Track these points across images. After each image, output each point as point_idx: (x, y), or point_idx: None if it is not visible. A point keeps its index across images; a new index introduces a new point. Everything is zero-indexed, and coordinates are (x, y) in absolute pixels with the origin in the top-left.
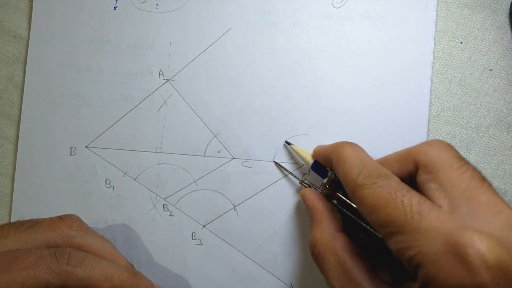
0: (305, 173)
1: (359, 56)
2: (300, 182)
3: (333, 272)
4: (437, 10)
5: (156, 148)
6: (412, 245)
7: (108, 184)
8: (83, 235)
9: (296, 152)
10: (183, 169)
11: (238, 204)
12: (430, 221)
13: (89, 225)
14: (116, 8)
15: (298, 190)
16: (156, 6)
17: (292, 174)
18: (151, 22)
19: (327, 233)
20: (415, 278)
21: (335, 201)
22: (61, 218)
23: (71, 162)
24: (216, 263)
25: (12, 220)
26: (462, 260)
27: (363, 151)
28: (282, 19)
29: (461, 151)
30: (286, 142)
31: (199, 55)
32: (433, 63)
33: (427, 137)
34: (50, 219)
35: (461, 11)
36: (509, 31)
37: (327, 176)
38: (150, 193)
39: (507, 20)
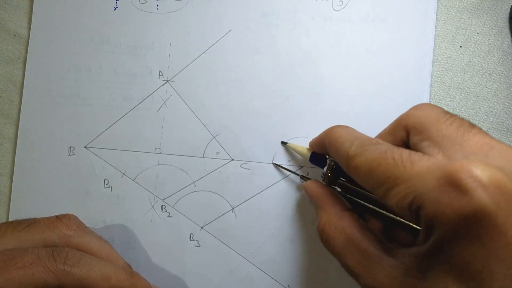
0: (304, 175)
1: (359, 59)
2: (301, 177)
3: (345, 250)
4: (437, 14)
5: (155, 149)
6: (408, 191)
7: (107, 184)
8: (81, 235)
9: (293, 149)
10: (182, 170)
11: (236, 206)
12: (421, 165)
13: (87, 225)
14: (116, 9)
15: (297, 186)
16: (157, 7)
17: (293, 172)
18: (151, 22)
19: (333, 214)
20: (420, 225)
21: (338, 189)
22: (59, 217)
23: (70, 162)
24: (214, 265)
25: (10, 219)
26: (457, 187)
27: (354, 129)
28: (282, 21)
29: None
30: (282, 142)
31: (199, 56)
32: (432, 66)
33: None
34: (48, 218)
35: (461, 15)
36: (508, 35)
37: (327, 164)
38: (148, 193)
39: (506, 24)
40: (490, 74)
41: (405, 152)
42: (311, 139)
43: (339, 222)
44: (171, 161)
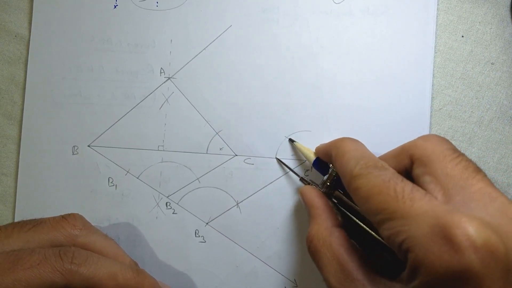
0: (308, 170)
1: (360, 52)
2: (300, 179)
3: (329, 267)
4: (438, 4)
5: (158, 146)
6: (401, 230)
7: (111, 182)
8: (86, 234)
9: (299, 149)
10: (186, 166)
11: (241, 201)
12: (420, 206)
13: (93, 224)
14: (116, 7)
15: (298, 187)
16: (156, 4)
17: (293, 171)
18: (152, 20)
19: (324, 228)
20: (406, 265)
21: (334, 200)
22: (64, 217)
23: (74, 161)
24: (219, 260)
25: (15, 220)
26: (449, 242)
27: (363, 145)
28: (283, 16)
29: (464, 145)
30: (289, 139)
31: (200, 52)
32: (434, 57)
33: (430, 132)
34: (54, 218)
35: (462, 5)
36: (510, 24)
37: (328, 174)
38: (153, 191)
39: (508, 13)
40: (492, 63)
41: (408, 186)
42: (319, 144)
43: (329, 238)
44: (174, 158)
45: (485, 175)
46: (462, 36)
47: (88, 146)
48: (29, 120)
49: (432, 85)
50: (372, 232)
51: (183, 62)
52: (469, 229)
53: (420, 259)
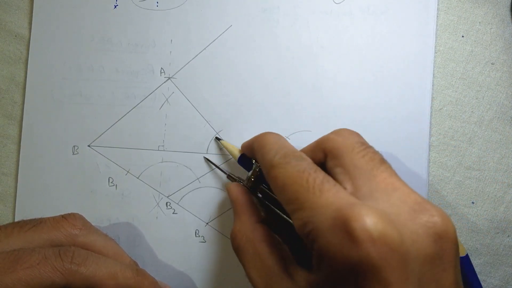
0: (231, 175)
1: (360, 52)
2: (227, 176)
3: (251, 262)
4: (438, 4)
5: (159, 146)
6: (308, 220)
7: (111, 182)
8: (86, 233)
9: (224, 147)
10: (186, 166)
11: None
12: (327, 197)
13: (93, 224)
14: (116, 7)
15: (225, 184)
16: (157, 4)
17: (220, 168)
18: (152, 20)
19: (247, 224)
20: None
21: (259, 195)
22: (64, 217)
23: (74, 161)
24: (220, 260)
25: (15, 220)
26: (348, 234)
27: (284, 138)
28: (283, 16)
29: (464, 145)
30: (216, 138)
31: (200, 52)
32: (434, 57)
33: (430, 132)
34: (54, 218)
35: (463, 5)
36: (510, 24)
37: (252, 169)
38: (153, 191)
39: (508, 13)
40: (492, 63)
41: (319, 177)
42: (244, 141)
43: (251, 234)
44: (175, 158)
45: (389, 166)
46: (462, 36)
47: (88, 146)
48: (29, 120)
49: (432, 85)
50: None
51: (183, 62)
52: (366, 221)
53: (323, 251)
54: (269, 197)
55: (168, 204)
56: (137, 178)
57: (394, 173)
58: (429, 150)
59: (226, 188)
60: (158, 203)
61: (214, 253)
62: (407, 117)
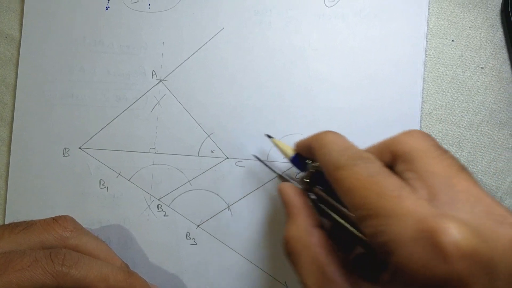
0: (282, 175)
1: (352, 55)
2: (278, 177)
3: (307, 269)
4: (429, 9)
5: (150, 148)
6: (384, 230)
7: (102, 185)
8: (77, 236)
9: (276, 145)
10: (177, 169)
11: (232, 204)
12: (407, 206)
13: (84, 226)
14: (108, 8)
15: (277, 185)
16: (149, 6)
17: (271, 168)
18: (144, 22)
19: (303, 228)
20: (387, 267)
21: (313, 196)
22: (55, 219)
23: (65, 163)
24: (211, 263)
25: (6, 222)
26: (435, 248)
27: (346, 138)
28: (275, 18)
29: (453, 149)
30: (267, 135)
31: (192, 55)
32: (425, 61)
33: None
34: (45, 220)
35: (453, 10)
36: (500, 29)
37: (307, 170)
38: (144, 193)
39: (498, 18)
40: (482, 68)
41: (396, 183)
42: (299, 139)
43: (308, 239)
44: (166, 160)
45: (470, 174)
46: (453, 41)
47: (80, 148)
48: (20, 122)
49: (423, 89)
50: (353, 230)
51: (175, 64)
52: (456, 235)
53: (403, 264)
54: (325, 201)
55: (159, 206)
56: (128, 180)
57: (475, 182)
58: None
59: (278, 189)
60: (149, 206)
61: (205, 255)
62: (397, 120)
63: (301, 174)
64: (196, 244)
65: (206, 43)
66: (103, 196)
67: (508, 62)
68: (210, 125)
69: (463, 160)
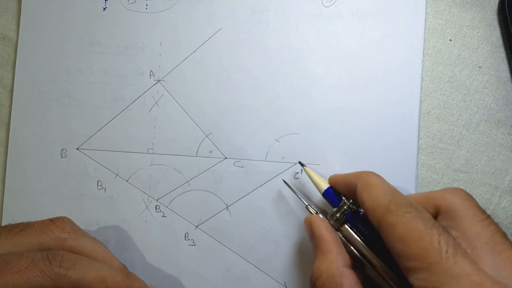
0: (310, 206)
1: (349, 55)
2: (306, 207)
3: None
4: (426, 8)
5: (148, 149)
6: (438, 286)
7: (100, 186)
8: (75, 237)
9: (309, 176)
10: (175, 169)
11: (230, 204)
12: (463, 267)
13: (82, 227)
14: (105, 9)
15: (304, 216)
16: (146, 6)
17: (298, 196)
18: (141, 22)
19: (335, 266)
20: None
21: (340, 234)
22: (52, 220)
23: (62, 164)
24: (209, 264)
25: (3, 223)
26: None
27: (387, 181)
28: (273, 18)
29: (452, 148)
30: (299, 162)
31: (189, 55)
32: (423, 60)
33: (418, 135)
34: (42, 222)
35: (450, 9)
36: (497, 28)
37: (338, 206)
38: (142, 194)
39: (495, 17)
40: (480, 67)
41: (452, 241)
42: (333, 174)
43: (339, 279)
44: (164, 161)
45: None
46: (450, 40)
47: (77, 149)
48: (17, 123)
49: (421, 89)
50: (385, 277)
51: (172, 64)
52: None
53: None
54: (352, 241)
55: (158, 207)
56: (126, 181)
57: None
58: (418, 153)
59: (306, 220)
60: (147, 206)
61: (204, 256)
62: (396, 120)
63: (333, 209)
64: (195, 245)
65: (204, 43)
66: (101, 197)
67: (505, 61)
68: (208, 125)
69: (462, 159)
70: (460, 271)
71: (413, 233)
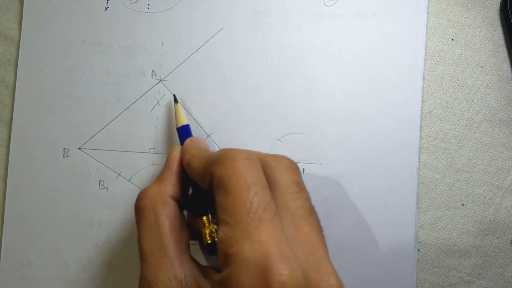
0: None
1: (351, 54)
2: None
3: (147, 232)
4: (428, 7)
5: (150, 148)
6: (235, 245)
7: (102, 185)
8: None
9: (176, 110)
10: None
11: None
12: (262, 232)
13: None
14: (107, 9)
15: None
16: (148, 6)
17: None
18: (143, 22)
19: (163, 194)
20: (220, 271)
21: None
22: None
23: (64, 164)
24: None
25: (5, 223)
26: (265, 285)
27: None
28: (274, 18)
29: (454, 148)
30: (174, 96)
31: (191, 55)
32: (424, 60)
33: (420, 134)
34: None
35: (452, 8)
36: (499, 27)
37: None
38: None
39: (497, 17)
40: (482, 66)
41: (264, 200)
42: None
43: (160, 207)
44: None
45: (316, 219)
46: (452, 39)
47: (79, 148)
48: (19, 122)
49: (423, 88)
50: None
51: (174, 64)
52: (284, 280)
53: (232, 281)
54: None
55: None
56: (128, 180)
57: (318, 228)
58: (419, 152)
59: (172, 147)
60: None
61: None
62: (397, 119)
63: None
64: (196, 244)
65: (206, 43)
66: (103, 196)
67: (507, 60)
68: (209, 124)
69: (464, 159)
70: (258, 237)
71: (238, 189)
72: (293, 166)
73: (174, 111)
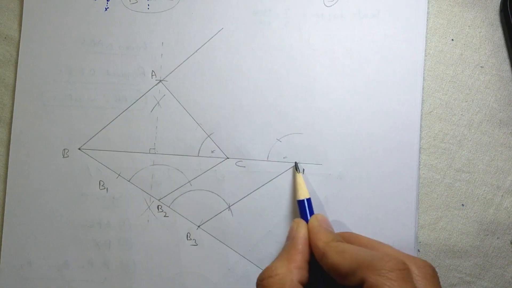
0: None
1: (351, 55)
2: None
3: None
4: (428, 8)
5: (150, 149)
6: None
7: (102, 186)
8: None
9: (296, 180)
10: (177, 169)
11: (232, 204)
12: None
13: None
14: (107, 9)
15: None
16: (148, 6)
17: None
18: (143, 22)
19: (291, 277)
20: None
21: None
22: None
23: (64, 164)
24: (211, 263)
25: (4, 223)
26: None
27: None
28: (274, 18)
29: (454, 148)
30: (295, 164)
31: (191, 55)
32: (424, 60)
33: (420, 135)
34: None
35: (452, 9)
36: (499, 28)
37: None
38: (144, 194)
39: (497, 17)
40: (482, 67)
41: None
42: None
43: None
44: (166, 161)
45: None
46: (452, 40)
47: (79, 149)
48: (19, 123)
49: (423, 88)
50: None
51: (174, 64)
52: None
53: None
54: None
55: (160, 207)
56: (128, 181)
57: None
58: (419, 153)
59: (295, 222)
60: (149, 206)
61: (206, 256)
62: (397, 120)
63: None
64: (197, 244)
65: (205, 43)
66: (103, 197)
67: (507, 60)
68: (210, 125)
69: (464, 159)
70: None
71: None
72: (436, 276)
73: (294, 181)
